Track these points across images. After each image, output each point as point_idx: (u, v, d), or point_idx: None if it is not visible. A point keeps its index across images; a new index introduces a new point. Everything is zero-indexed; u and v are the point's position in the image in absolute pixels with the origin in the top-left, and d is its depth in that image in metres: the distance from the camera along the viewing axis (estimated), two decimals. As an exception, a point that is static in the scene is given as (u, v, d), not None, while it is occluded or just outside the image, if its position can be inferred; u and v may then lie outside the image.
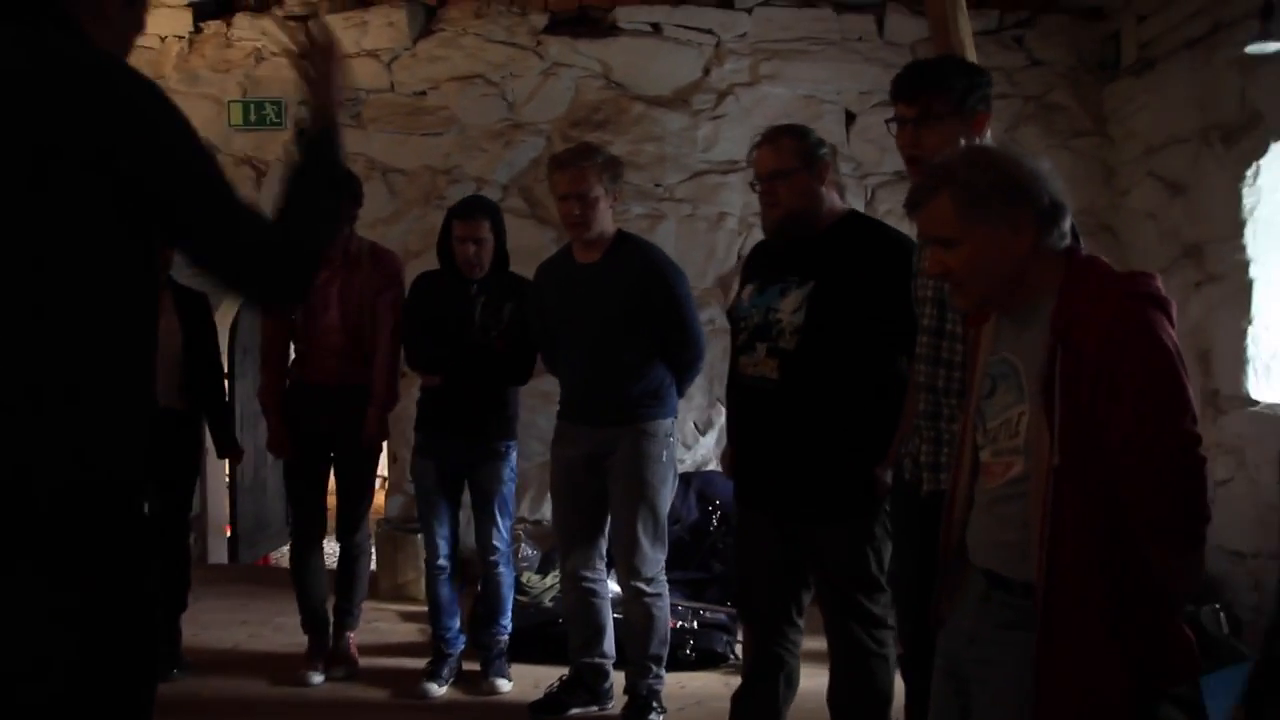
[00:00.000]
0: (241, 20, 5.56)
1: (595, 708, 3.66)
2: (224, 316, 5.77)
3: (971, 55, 3.80)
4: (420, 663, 4.00)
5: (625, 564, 3.47)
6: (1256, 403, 4.29)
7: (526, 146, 5.47)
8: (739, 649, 4.05)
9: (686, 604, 4.52)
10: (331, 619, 4.09)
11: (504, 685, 3.85)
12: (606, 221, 3.44)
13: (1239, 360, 4.33)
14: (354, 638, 4.15)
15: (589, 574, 3.60)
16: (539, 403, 4.79)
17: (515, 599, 4.10)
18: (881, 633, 2.70)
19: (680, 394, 3.59)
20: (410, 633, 4.63)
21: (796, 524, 2.74)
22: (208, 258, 1.51)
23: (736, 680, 3.06)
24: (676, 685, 3.82)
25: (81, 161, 1.36)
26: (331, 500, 4.04)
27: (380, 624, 4.70)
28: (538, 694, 3.71)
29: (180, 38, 5.55)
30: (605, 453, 3.44)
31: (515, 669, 3.97)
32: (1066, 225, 1.79)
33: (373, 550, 5.32)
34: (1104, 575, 1.65)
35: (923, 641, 2.13)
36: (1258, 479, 4.13)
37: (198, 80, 5.50)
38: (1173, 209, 4.77)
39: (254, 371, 5.27)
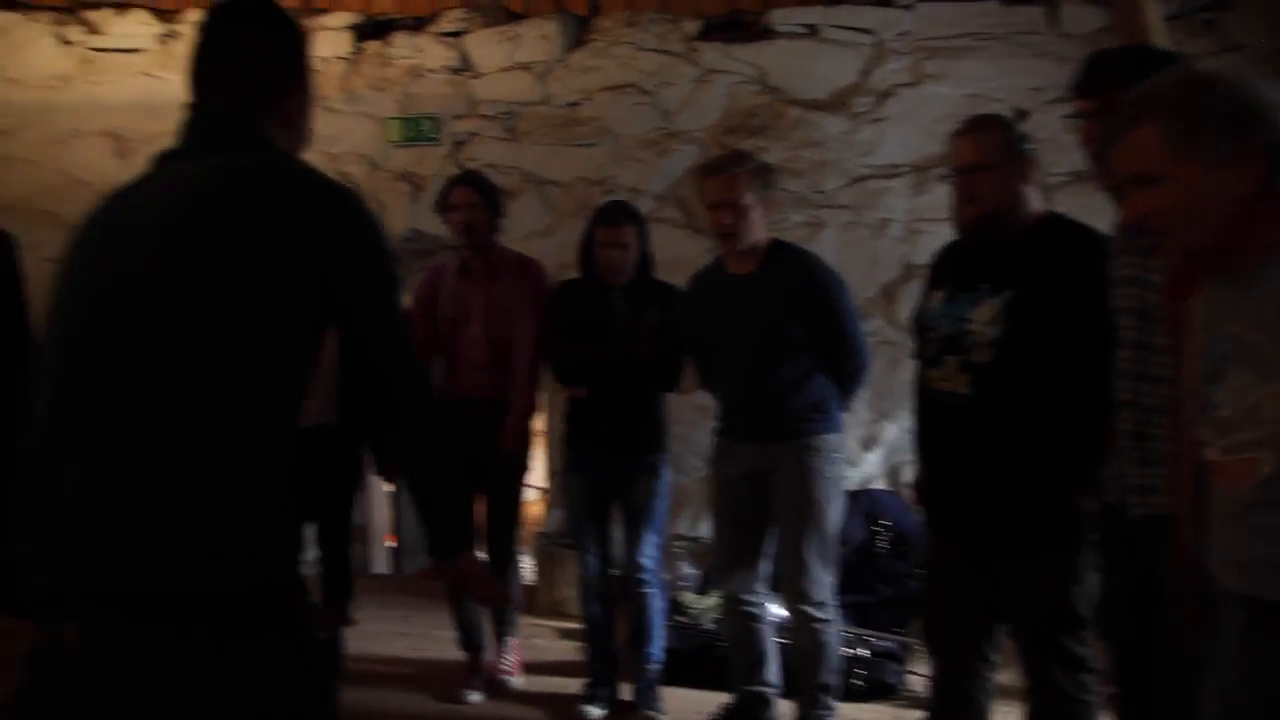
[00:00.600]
0: (399, 39, 5.65)
1: (760, 739, 3.50)
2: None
3: (1162, 42, 3.51)
4: (578, 683, 3.93)
5: (792, 587, 3.31)
6: None
7: (681, 155, 5.37)
8: (911, 680, 3.84)
9: (853, 630, 4.31)
10: (487, 631, 4.05)
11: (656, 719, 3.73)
12: (759, 231, 3.30)
13: None
14: (516, 644, 4.11)
15: (750, 598, 3.46)
16: (697, 416, 4.67)
17: (674, 620, 3.99)
18: (1086, 677, 2.45)
19: (844, 408, 3.41)
20: (568, 650, 4.57)
21: (991, 556, 2.53)
22: (370, 368, 1.61)
23: (910, 714, 2.87)
24: (846, 717, 3.63)
25: (291, 270, 1.50)
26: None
27: (539, 640, 4.66)
28: (699, 721, 3.57)
29: (341, 58, 5.68)
30: (767, 470, 3.30)
31: (675, 693, 3.86)
32: None
33: (529, 565, 5.32)
34: None
35: (1140, 683, 1.90)
36: None
37: (358, 99, 5.61)
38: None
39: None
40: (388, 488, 6.71)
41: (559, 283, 3.86)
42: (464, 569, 1.71)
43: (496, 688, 4.00)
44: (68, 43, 6.18)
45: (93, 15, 6.14)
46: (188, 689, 1.38)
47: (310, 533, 3.74)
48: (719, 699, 3.63)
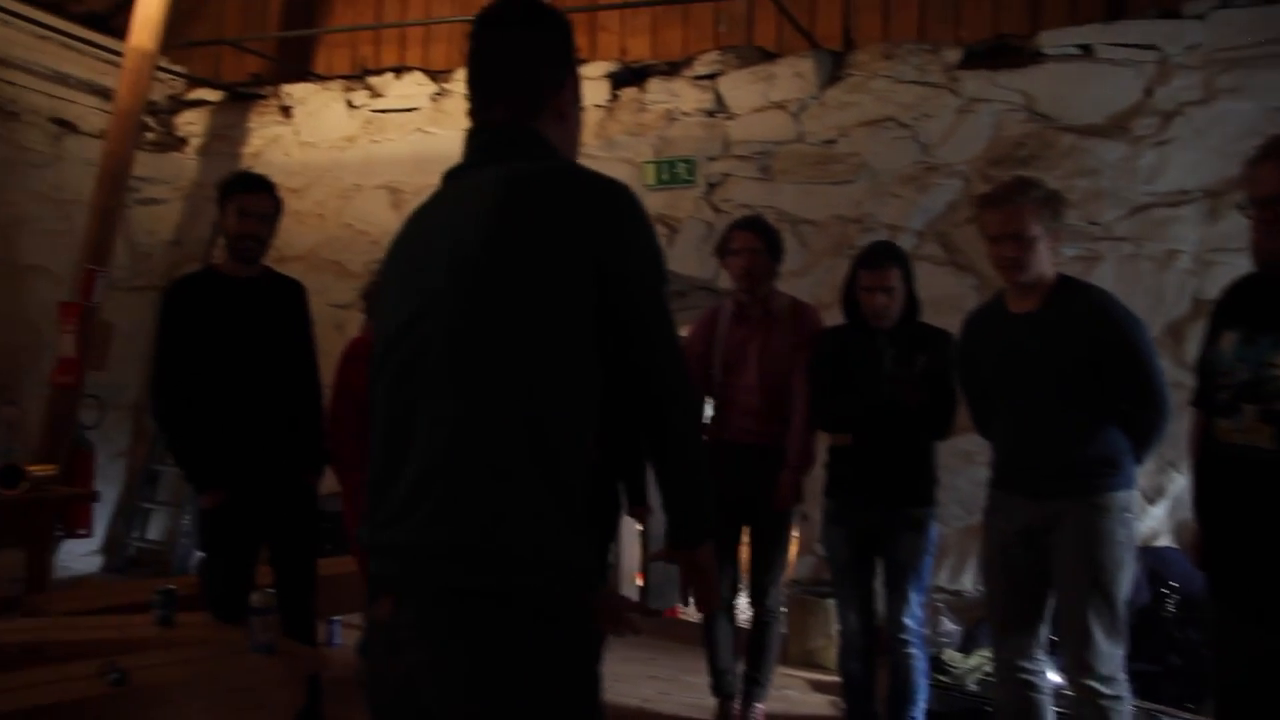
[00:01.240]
0: (654, 84, 5.77)
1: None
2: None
3: None
4: (833, 740, 3.77)
5: (1075, 658, 3.00)
6: None
7: (942, 189, 5.15)
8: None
9: (1139, 704, 3.90)
10: (740, 686, 3.95)
11: None
12: (1045, 265, 3.03)
13: None
14: (763, 709, 4.00)
15: (1026, 664, 3.17)
16: (958, 463, 4.43)
17: (935, 679, 3.74)
18: None
19: (1139, 461, 3.07)
20: (821, 705, 4.42)
21: None
22: (635, 365, 1.61)
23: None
24: (1136, 802, 3.28)
25: (579, 267, 1.54)
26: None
27: (790, 692, 4.53)
28: (967, 792, 3.32)
29: (599, 106, 5.84)
30: (1047, 528, 3.02)
31: (937, 758, 3.63)
32: None
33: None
34: None
35: None
36: None
37: (615, 145, 5.75)
38: None
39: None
40: (638, 528, 6.76)
41: (821, 330, 3.74)
42: (699, 560, 1.70)
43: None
44: (354, 106, 6.71)
45: (376, 80, 6.65)
46: (483, 664, 1.48)
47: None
48: (989, 769, 3.37)
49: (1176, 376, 4.54)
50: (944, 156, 5.16)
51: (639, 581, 6.89)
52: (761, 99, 5.47)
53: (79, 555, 6.57)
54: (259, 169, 6.59)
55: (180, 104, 7.28)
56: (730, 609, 3.98)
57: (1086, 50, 4.94)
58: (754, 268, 3.78)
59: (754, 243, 3.78)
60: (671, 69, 5.81)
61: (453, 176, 1.73)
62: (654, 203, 5.66)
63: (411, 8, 6.83)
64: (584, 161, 1.75)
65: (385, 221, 6.49)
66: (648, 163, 5.68)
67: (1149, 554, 4.60)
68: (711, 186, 5.62)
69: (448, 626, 1.49)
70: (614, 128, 5.83)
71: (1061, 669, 3.25)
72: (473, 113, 1.74)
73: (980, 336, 3.22)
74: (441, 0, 6.64)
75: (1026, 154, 4.99)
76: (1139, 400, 2.98)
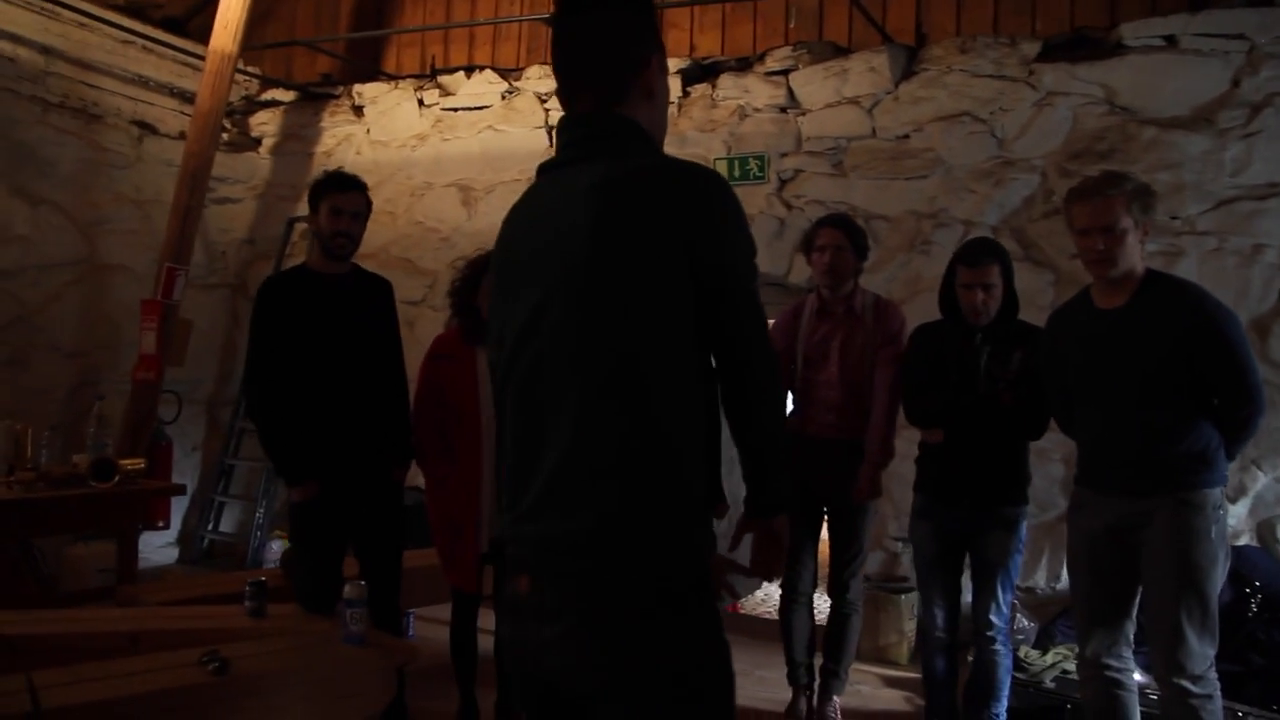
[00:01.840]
0: (726, 80, 5.75)
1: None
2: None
3: None
4: (910, 735, 3.76)
5: (1164, 657, 2.97)
6: None
7: (1018, 184, 5.09)
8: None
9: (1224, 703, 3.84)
10: (817, 679, 3.95)
11: None
12: (1135, 259, 2.99)
13: None
14: (839, 702, 3.99)
15: (1114, 662, 3.14)
16: (1033, 460, 4.35)
17: (1012, 676, 3.71)
18: None
19: (1231, 457, 3.02)
20: (894, 700, 4.40)
21: None
22: (725, 347, 1.64)
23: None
24: (1227, 804, 3.23)
25: (677, 264, 1.58)
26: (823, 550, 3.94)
27: (863, 687, 4.51)
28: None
29: (670, 103, 5.83)
30: (1135, 526, 2.98)
31: (1014, 754, 3.61)
32: None
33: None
34: None
35: None
36: None
37: (686, 141, 5.75)
38: None
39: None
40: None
41: (918, 327, 3.73)
42: (775, 529, 1.74)
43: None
44: (425, 105, 6.78)
45: (447, 79, 6.71)
46: (605, 644, 1.56)
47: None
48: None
49: (1262, 372, 4.48)
50: (1020, 151, 5.09)
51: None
52: (834, 94, 5.44)
53: (156, 547, 6.73)
54: (331, 168, 6.73)
55: (254, 104, 7.42)
56: (809, 602, 3.98)
57: (1171, 41, 4.85)
58: (838, 264, 3.79)
59: (839, 240, 3.79)
60: (743, 65, 5.80)
61: (546, 170, 1.75)
62: (725, 199, 5.66)
63: (480, 7, 6.90)
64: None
65: (455, 219, 6.56)
66: (719, 159, 5.67)
67: (1232, 553, 4.52)
68: (783, 182, 5.60)
69: (575, 611, 1.57)
70: (685, 124, 5.83)
71: (1149, 667, 3.21)
72: (562, 103, 1.75)
73: (1067, 333, 3.18)
74: (511, -1, 6.72)
75: (1106, 147, 4.92)
76: (1232, 395, 2.93)
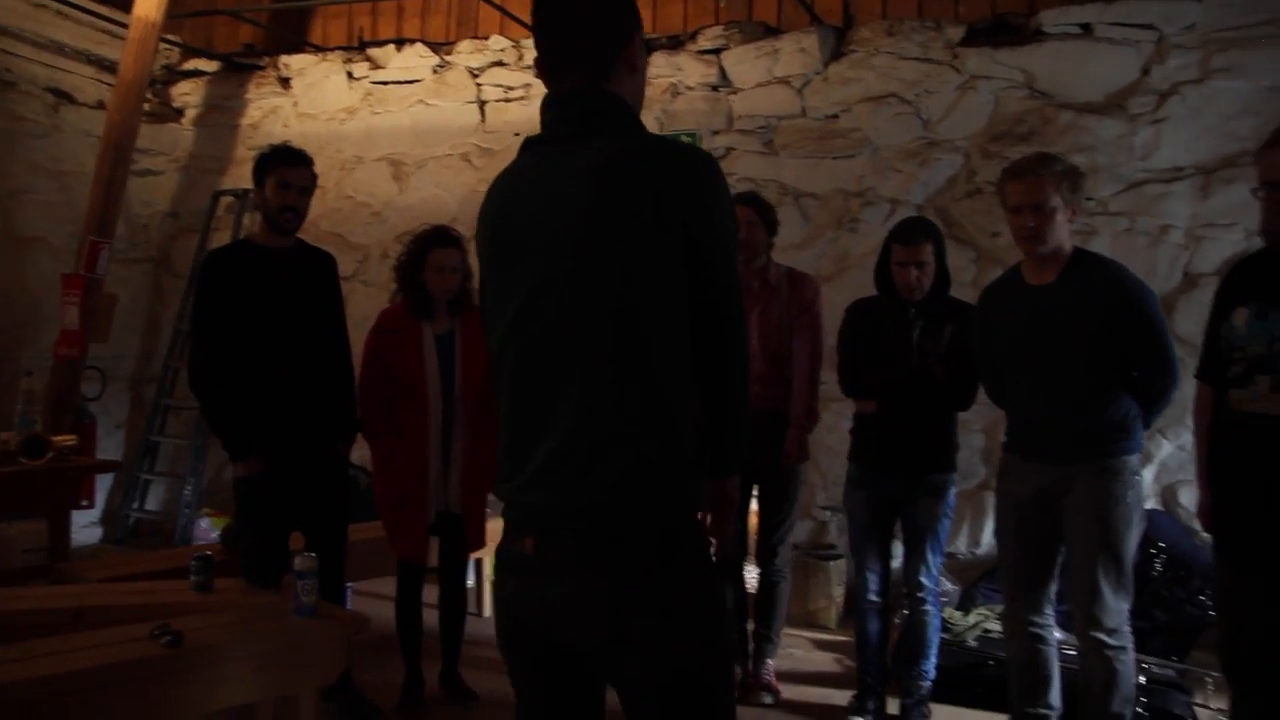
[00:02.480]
0: (658, 58, 5.81)
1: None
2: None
3: None
4: (838, 694, 3.94)
5: (1083, 613, 3.16)
6: None
7: (943, 165, 5.27)
8: (1201, 713, 3.61)
9: (1132, 657, 4.09)
10: (750, 643, 4.09)
11: None
12: (1063, 237, 3.16)
13: None
14: (773, 665, 4.14)
15: (1038, 619, 3.33)
16: (959, 430, 4.55)
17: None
18: None
19: (1147, 425, 3.22)
20: (826, 661, 4.56)
21: None
22: (707, 324, 1.71)
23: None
24: (1137, 749, 3.46)
25: (673, 240, 1.64)
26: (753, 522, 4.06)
27: (795, 651, 4.67)
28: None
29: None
30: (1060, 491, 3.17)
31: (941, 710, 3.80)
32: None
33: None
34: None
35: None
36: None
37: (618, 119, 5.78)
38: None
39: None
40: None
41: (853, 303, 3.86)
42: (727, 491, 1.85)
43: (765, 696, 4.02)
44: (354, 78, 6.70)
45: (376, 52, 6.65)
46: (613, 596, 1.63)
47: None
48: (987, 718, 3.52)
49: (1172, 347, 4.73)
50: (945, 132, 5.26)
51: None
52: (765, 74, 5.54)
53: (80, 526, 6.56)
54: (257, 140, 6.62)
55: (176, 74, 7.25)
56: (739, 571, 4.09)
57: (1087, 29, 5.05)
58: (750, 240, 3.87)
59: (749, 215, 3.87)
60: (674, 43, 5.86)
61: (531, 147, 1.77)
62: (658, 176, 5.73)
63: (410, -22, 6.83)
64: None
65: (387, 194, 6.52)
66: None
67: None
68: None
69: (583, 567, 1.64)
70: (617, 101, 5.87)
71: (1066, 624, 3.40)
72: (546, 80, 1.77)
73: (997, 309, 3.34)
74: (440, -28, 6.66)
75: (1026, 130, 5.11)
76: (1152, 368, 3.11)
